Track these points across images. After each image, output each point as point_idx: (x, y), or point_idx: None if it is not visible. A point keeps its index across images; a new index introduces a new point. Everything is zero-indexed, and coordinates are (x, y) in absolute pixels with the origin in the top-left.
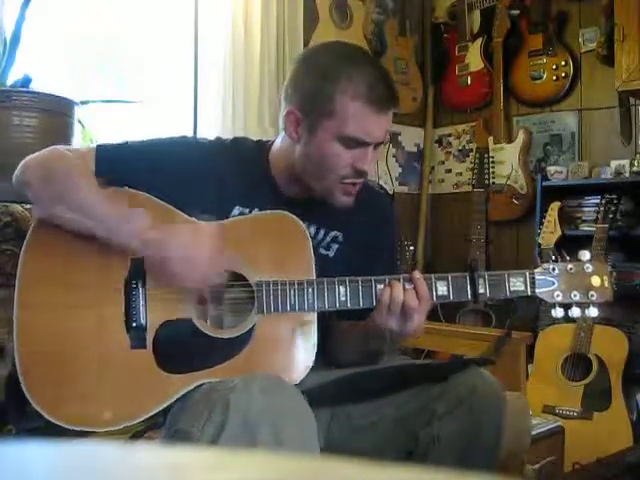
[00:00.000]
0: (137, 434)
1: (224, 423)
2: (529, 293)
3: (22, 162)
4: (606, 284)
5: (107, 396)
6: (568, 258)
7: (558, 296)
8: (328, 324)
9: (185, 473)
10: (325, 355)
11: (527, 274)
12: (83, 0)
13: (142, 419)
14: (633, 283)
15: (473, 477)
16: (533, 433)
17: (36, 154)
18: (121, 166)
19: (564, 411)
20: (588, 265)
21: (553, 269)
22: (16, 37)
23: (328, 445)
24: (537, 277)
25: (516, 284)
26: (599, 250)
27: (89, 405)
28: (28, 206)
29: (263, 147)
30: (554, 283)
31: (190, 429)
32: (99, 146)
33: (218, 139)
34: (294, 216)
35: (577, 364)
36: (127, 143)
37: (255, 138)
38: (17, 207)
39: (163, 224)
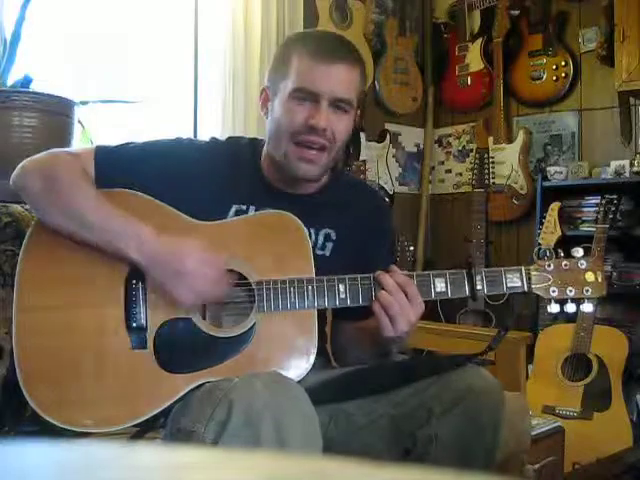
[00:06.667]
0: (137, 435)
1: (227, 421)
2: (526, 289)
3: (20, 165)
4: (599, 279)
5: (108, 397)
6: (562, 255)
7: (554, 292)
8: (336, 326)
9: (184, 473)
10: (328, 355)
11: (523, 270)
12: (83, 0)
13: (144, 419)
14: (633, 283)
15: (472, 477)
16: (533, 433)
17: (35, 158)
18: (120, 169)
19: (564, 411)
20: (582, 261)
21: (548, 265)
22: (16, 37)
23: (327, 445)
24: (533, 273)
25: (513, 280)
26: (599, 250)
27: (90, 406)
28: (28, 206)
29: (257, 145)
30: (550, 279)
31: (193, 428)
32: (98, 148)
33: (213, 139)
34: (293, 215)
35: (577, 364)
36: (125, 145)
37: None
38: (17, 207)
39: (162, 236)
